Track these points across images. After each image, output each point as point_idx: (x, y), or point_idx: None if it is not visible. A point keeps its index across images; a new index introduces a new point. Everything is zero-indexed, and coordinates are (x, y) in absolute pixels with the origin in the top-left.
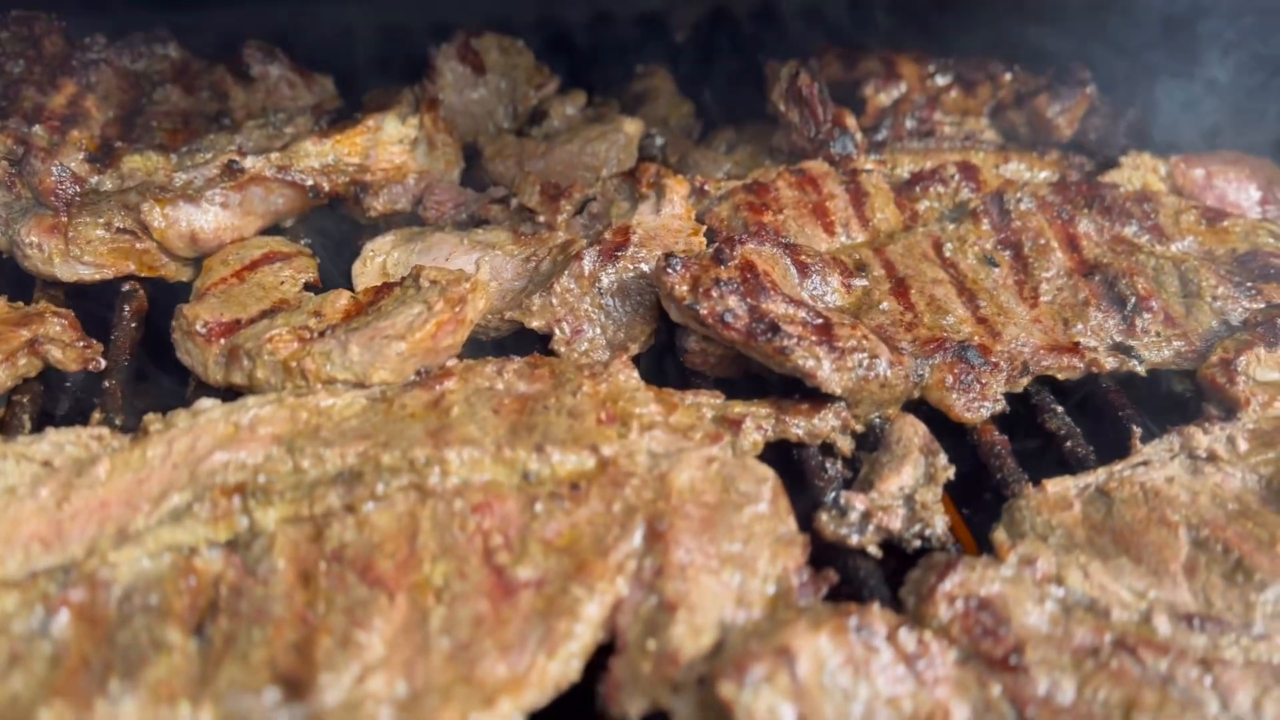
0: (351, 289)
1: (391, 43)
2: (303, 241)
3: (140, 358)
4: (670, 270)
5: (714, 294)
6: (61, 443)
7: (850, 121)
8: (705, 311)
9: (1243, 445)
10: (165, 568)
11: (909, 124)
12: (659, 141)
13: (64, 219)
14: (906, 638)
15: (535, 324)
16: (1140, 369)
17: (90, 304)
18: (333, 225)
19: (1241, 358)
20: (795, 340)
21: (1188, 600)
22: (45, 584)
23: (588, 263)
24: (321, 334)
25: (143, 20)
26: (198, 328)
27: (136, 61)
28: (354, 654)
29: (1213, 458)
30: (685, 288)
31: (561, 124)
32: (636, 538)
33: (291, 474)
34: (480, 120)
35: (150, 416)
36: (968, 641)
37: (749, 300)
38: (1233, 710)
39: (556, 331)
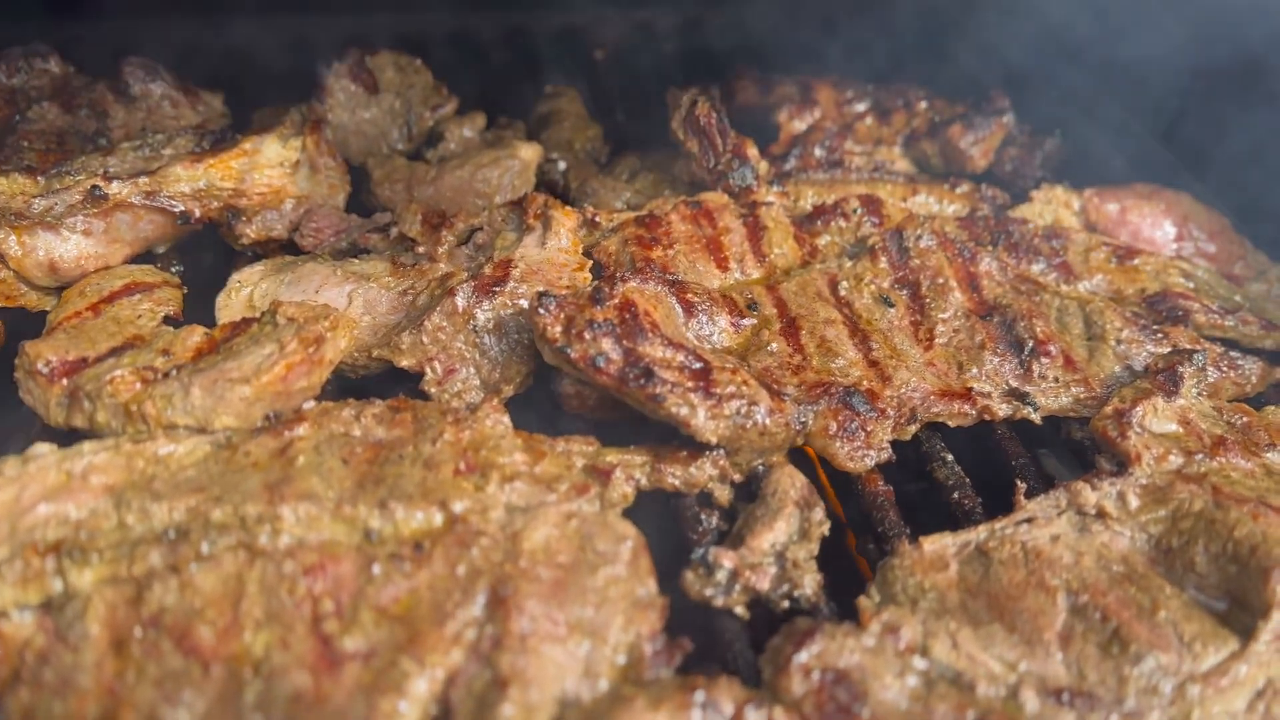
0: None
1: (297, 58)
2: (174, 270)
3: None
4: (543, 310)
5: (587, 336)
6: None
7: (752, 152)
8: (577, 355)
9: (1134, 502)
10: None
11: (818, 153)
12: (561, 167)
13: None
14: (754, 716)
15: (405, 363)
16: (1035, 416)
17: None
18: (211, 253)
19: (1137, 409)
20: (669, 387)
21: (1059, 673)
22: None
23: (461, 299)
24: (166, 375)
25: (30, 31)
26: (39, 366)
27: (13, 77)
28: None
29: (1101, 515)
30: (558, 329)
31: (458, 147)
32: (478, 604)
33: (115, 530)
34: (373, 141)
35: None
36: (819, 719)
37: (625, 343)
38: None
39: (428, 371)
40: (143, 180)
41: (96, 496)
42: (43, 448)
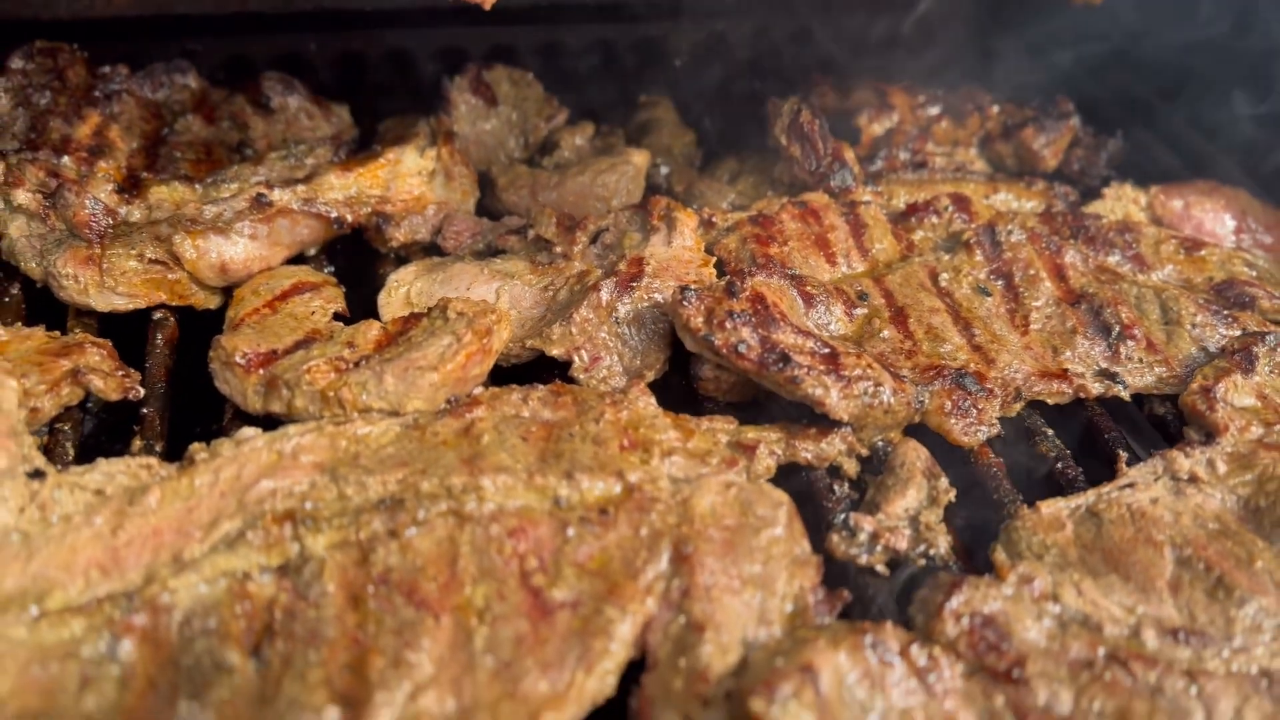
0: (373, 317)
1: (400, 70)
2: (326, 270)
3: (173, 384)
4: (686, 303)
5: (728, 325)
6: (113, 472)
7: (849, 155)
8: (720, 342)
9: (1222, 468)
10: (221, 593)
11: (902, 155)
12: (664, 171)
13: (98, 250)
14: (918, 653)
15: (555, 352)
16: (1124, 394)
17: (121, 331)
18: (351, 254)
19: (1220, 385)
20: (805, 370)
21: (1173, 615)
22: (110, 609)
23: (605, 293)
24: (356, 364)
25: (161, 49)
26: (237, 359)
27: (157, 91)
28: (405, 673)
29: (1194, 480)
30: (700, 319)
31: (572, 154)
32: (663, 561)
33: (337, 501)
34: (492, 150)
35: (196, 446)
36: (973, 656)
37: (760, 331)
38: (1217, 715)
39: (575, 359)
40: (301, 188)
41: (309, 473)
42: (250, 430)
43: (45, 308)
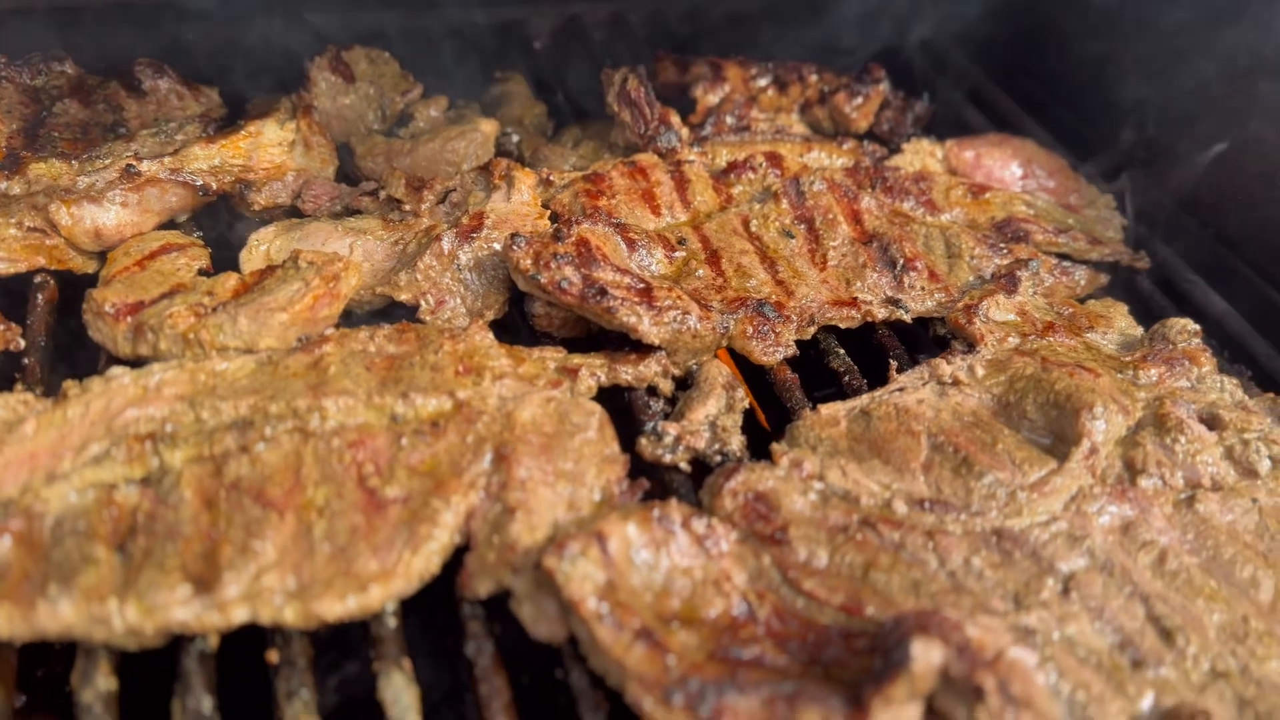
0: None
1: (268, 57)
2: (195, 235)
3: (54, 340)
4: (516, 247)
5: (552, 265)
6: None
7: (674, 119)
8: (545, 280)
9: (980, 372)
10: (90, 501)
11: (729, 120)
12: (515, 139)
13: None
14: (697, 523)
15: (403, 297)
16: (907, 317)
17: (4, 295)
18: (219, 220)
19: (984, 303)
20: (620, 301)
21: (922, 489)
22: None
23: (446, 243)
24: (214, 310)
25: (37, 39)
26: (106, 308)
27: (35, 78)
28: (251, 558)
29: (955, 383)
30: (529, 261)
31: (426, 125)
32: (486, 461)
33: (194, 423)
34: (352, 124)
35: (68, 382)
36: (745, 525)
37: (582, 270)
38: (948, 566)
39: (422, 303)
40: (168, 159)
41: (169, 403)
42: (118, 369)
43: None
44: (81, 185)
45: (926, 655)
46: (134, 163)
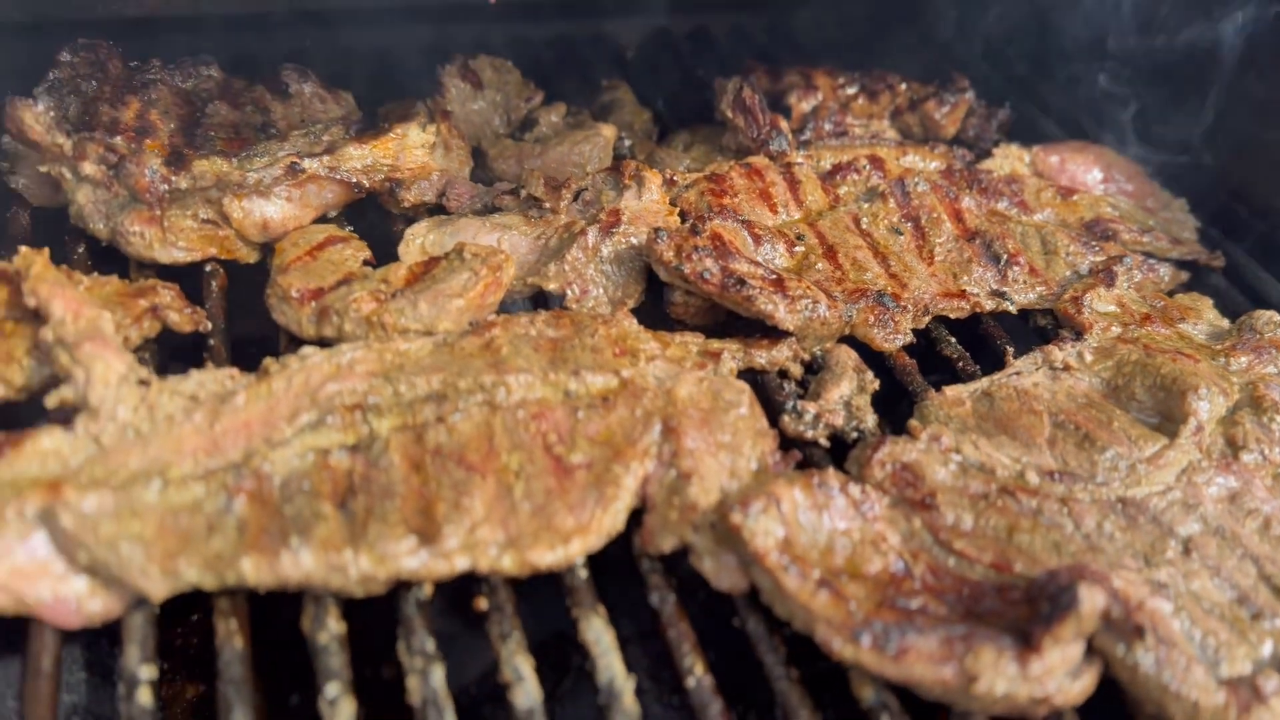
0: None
1: (389, 64)
2: (347, 228)
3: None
4: (659, 241)
5: (694, 258)
6: (203, 380)
7: (783, 125)
8: (688, 271)
9: (1088, 357)
10: (309, 465)
11: (827, 126)
12: (627, 143)
13: (158, 212)
14: (853, 489)
15: (551, 287)
16: (1011, 308)
17: (176, 281)
18: (365, 215)
19: (1087, 295)
20: (758, 290)
21: (1050, 462)
22: (223, 477)
23: (591, 238)
24: (393, 295)
25: (183, 45)
26: (292, 293)
27: (186, 81)
28: (465, 513)
29: (1066, 368)
30: (671, 254)
31: (549, 130)
32: (655, 432)
33: (393, 397)
34: (480, 128)
35: (268, 359)
36: (895, 491)
37: (720, 262)
38: (1083, 529)
39: (569, 292)
40: (326, 158)
41: (362, 379)
42: (309, 349)
43: (108, 265)
44: (250, 181)
45: (1092, 599)
46: (297, 160)
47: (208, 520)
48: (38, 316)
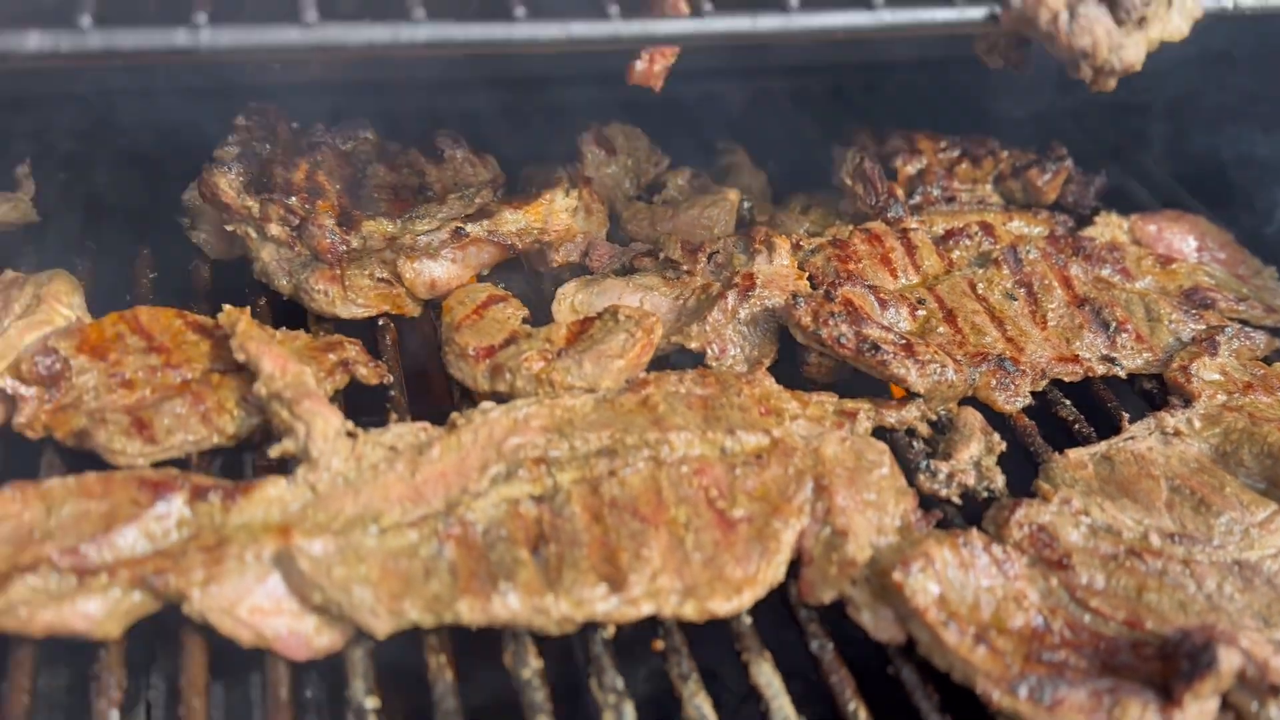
0: (546, 320)
1: (522, 127)
2: (499, 285)
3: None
4: (797, 307)
5: (830, 323)
6: (401, 433)
7: (899, 193)
8: (825, 335)
9: (1197, 424)
10: (504, 514)
11: (935, 192)
12: (747, 205)
13: (339, 271)
14: (995, 549)
15: (693, 345)
16: (1121, 373)
17: (347, 334)
18: (512, 273)
19: (1194, 364)
20: (892, 355)
21: (1169, 525)
22: (433, 524)
23: (730, 301)
24: (558, 354)
25: (327, 105)
26: (469, 351)
27: (346, 144)
28: (645, 563)
29: (1177, 433)
30: (809, 319)
31: (676, 192)
32: (808, 489)
33: (569, 451)
34: (613, 190)
35: (455, 415)
36: (1033, 551)
37: (854, 327)
38: (1204, 589)
39: (709, 350)
40: (486, 222)
41: (537, 433)
42: (488, 404)
43: (285, 318)
44: (421, 243)
45: (1230, 659)
46: (461, 225)
47: (424, 565)
48: (240, 368)
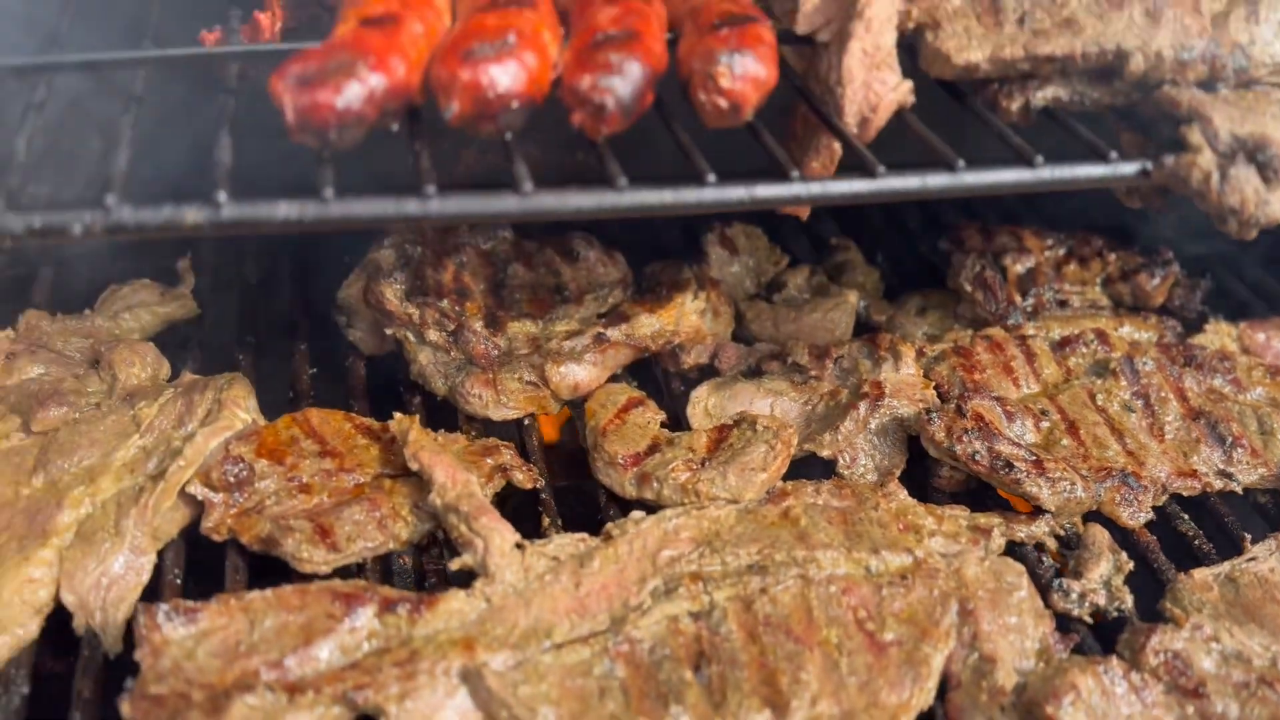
0: (676, 421)
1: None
2: (632, 384)
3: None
4: (932, 423)
5: (964, 440)
6: (563, 544)
7: (1018, 299)
8: (960, 452)
9: None
10: (665, 631)
11: (1046, 294)
12: (863, 304)
13: (492, 375)
14: (1134, 677)
15: (825, 454)
16: (1237, 489)
17: (493, 432)
18: (641, 373)
19: None
20: (1025, 474)
21: None
22: (602, 640)
23: (862, 410)
24: (701, 464)
25: None
26: (618, 460)
27: (487, 243)
28: (804, 687)
29: None
30: (943, 435)
31: (796, 291)
32: (953, 613)
33: (722, 567)
34: (734, 288)
35: (610, 525)
36: (1169, 679)
37: (986, 443)
38: None
39: (840, 459)
40: (624, 327)
41: (687, 545)
42: (638, 513)
43: (437, 414)
44: (566, 348)
45: None
46: (603, 330)
47: (598, 684)
48: (408, 472)
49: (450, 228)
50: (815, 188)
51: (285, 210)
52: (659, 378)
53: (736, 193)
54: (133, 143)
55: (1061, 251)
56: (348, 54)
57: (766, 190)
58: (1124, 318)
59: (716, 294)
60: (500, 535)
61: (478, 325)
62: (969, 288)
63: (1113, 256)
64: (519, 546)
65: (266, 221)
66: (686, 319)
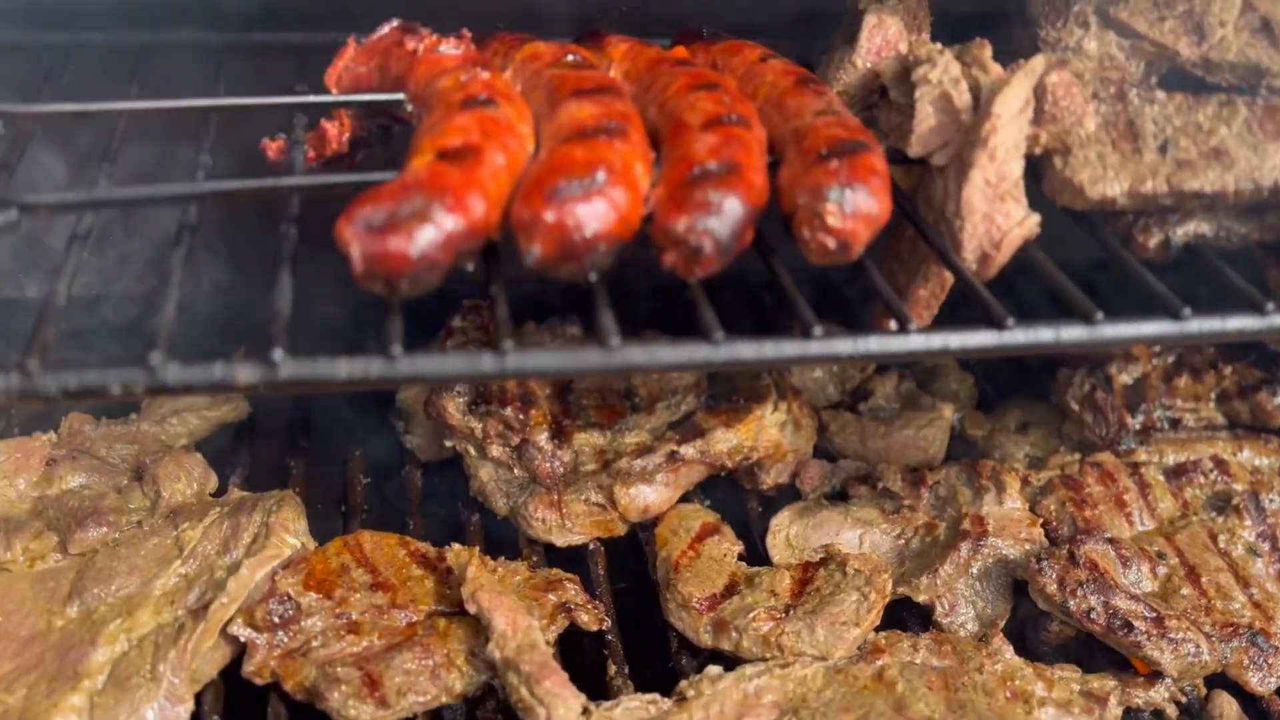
0: (748, 545)
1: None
2: (705, 504)
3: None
4: (1043, 573)
5: (1079, 594)
6: (631, 707)
7: (1129, 421)
8: (1074, 609)
9: None
10: None
11: (1157, 413)
12: (958, 417)
13: (557, 497)
14: None
15: (921, 598)
16: None
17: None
18: (713, 489)
19: None
20: (1145, 635)
21: None
22: None
23: (963, 552)
24: (785, 612)
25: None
26: (693, 603)
27: (554, 342)
28: None
29: None
30: (1054, 587)
31: (884, 400)
32: None
33: None
34: (816, 394)
35: (684, 684)
36: None
37: (1102, 597)
38: None
39: (938, 606)
40: (699, 443)
41: (771, 711)
42: (715, 669)
43: (496, 533)
44: (636, 468)
45: None
46: (676, 449)
47: None
48: (464, 610)
49: (517, 327)
50: (935, 341)
51: (348, 369)
52: (733, 493)
53: (843, 346)
54: (181, 283)
55: (1170, 359)
56: (423, 195)
57: (878, 344)
58: (1243, 440)
59: (798, 404)
60: (565, 704)
61: (543, 440)
62: (1077, 408)
63: (1228, 370)
64: (585, 712)
65: (328, 381)
66: (766, 433)
